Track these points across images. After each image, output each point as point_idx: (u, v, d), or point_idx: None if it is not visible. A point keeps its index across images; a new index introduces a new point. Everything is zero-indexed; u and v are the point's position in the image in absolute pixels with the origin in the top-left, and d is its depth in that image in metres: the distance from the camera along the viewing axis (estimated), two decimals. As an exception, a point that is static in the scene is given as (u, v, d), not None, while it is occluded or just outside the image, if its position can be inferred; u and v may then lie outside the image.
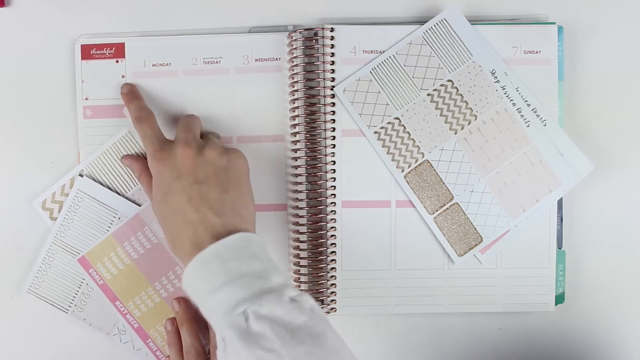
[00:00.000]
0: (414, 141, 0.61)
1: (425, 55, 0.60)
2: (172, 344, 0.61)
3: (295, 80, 0.60)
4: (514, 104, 0.60)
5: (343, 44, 0.60)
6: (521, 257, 0.61)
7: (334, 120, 0.61)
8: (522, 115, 0.60)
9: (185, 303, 0.61)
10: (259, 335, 0.43)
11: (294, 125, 0.60)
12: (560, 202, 0.61)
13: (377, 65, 0.60)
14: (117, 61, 0.61)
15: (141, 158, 0.59)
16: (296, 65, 0.60)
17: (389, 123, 0.61)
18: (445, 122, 0.61)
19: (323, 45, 0.60)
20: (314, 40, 0.60)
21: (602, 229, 0.63)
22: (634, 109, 0.62)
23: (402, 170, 0.61)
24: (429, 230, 0.61)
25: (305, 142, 0.60)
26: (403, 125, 0.61)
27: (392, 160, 0.61)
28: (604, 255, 0.63)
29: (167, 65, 0.61)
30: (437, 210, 0.61)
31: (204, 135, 0.57)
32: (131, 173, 0.61)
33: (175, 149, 0.52)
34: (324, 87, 0.60)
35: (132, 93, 0.58)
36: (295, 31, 0.60)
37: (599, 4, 0.61)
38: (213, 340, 0.59)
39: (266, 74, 0.61)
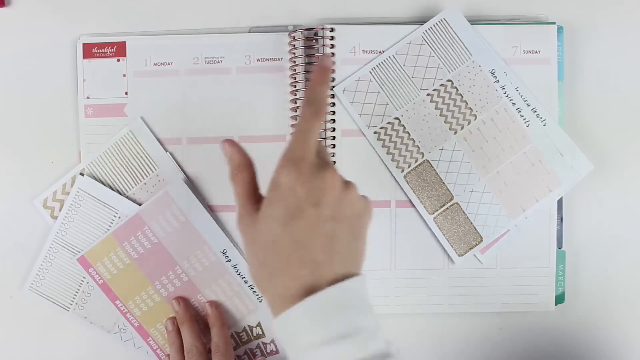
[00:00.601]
0: (414, 141, 0.61)
1: (424, 55, 0.60)
2: (172, 344, 0.61)
3: (296, 80, 0.60)
4: (513, 104, 0.60)
5: (343, 44, 0.60)
6: (521, 257, 0.61)
7: (334, 120, 0.61)
8: (521, 115, 0.60)
9: (185, 302, 0.61)
10: None
11: (295, 125, 0.60)
12: (560, 202, 0.61)
13: (377, 65, 0.60)
14: (118, 60, 0.61)
15: (242, 149, 0.47)
16: (297, 65, 0.60)
17: (388, 123, 0.61)
18: (445, 122, 0.61)
19: (323, 45, 0.60)
20: (314, 40, 0.60)
21: (602, 229, 0.62)
22: (633, 109, 0.62)
23: (402, 170, 0.61)
24: (429, 230, 0.61)
25: (306, 142, 0.60)
26: (403, 125, 0.61)
27: (392, 160, 0.61)
28: (604, 255, 0.62)
29: (169, 64, 0.61)
30: (437, 210, 0.61)
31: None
32: (133, 172, 0.61)
33: (324, 172, 0.42)
34: (324, 87, 0.60)
35: (328, 75, 0.45)
36: (295, 31, 0.60)
37: (599, 4, 0.61)
38: (214, 340, 0.60)
39: (267, 74, 0.61)
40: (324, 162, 0.43)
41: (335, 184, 0.42)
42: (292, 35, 0.60)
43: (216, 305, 0.62)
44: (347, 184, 0.44)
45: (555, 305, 0.62)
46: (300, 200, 0.41)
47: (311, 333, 0.40)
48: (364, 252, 0.45)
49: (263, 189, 0.45)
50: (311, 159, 0.42)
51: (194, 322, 0.61)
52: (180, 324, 0.61)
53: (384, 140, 0.61)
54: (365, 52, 0.61)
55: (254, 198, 0.45)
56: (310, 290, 0.40)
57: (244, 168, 0.46)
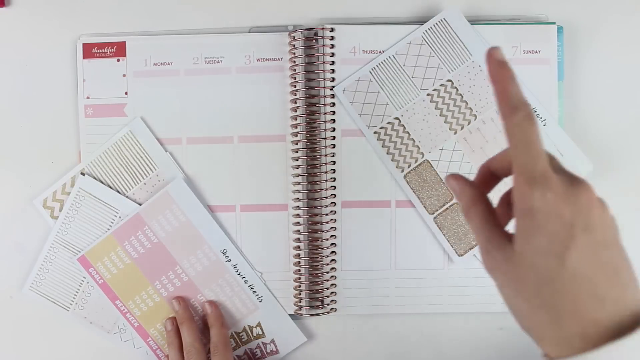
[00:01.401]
0: (414, 141, 0.61)
1: (424, 55, 0.60)
2: (171, 344, 0.61)
3: (295, 80, 0.60)
4: (513, 104, 0.60)
5: (343, 44, 0.60)
6: (521, 257, 0.61)
7: (334, 121, 0.61)
8: (521, 115, 0.60)
9: (185, 302, 0.61)
10: None
11: (295, 125, 0.60)
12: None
13: (377, 66, 0.60)
14: (118, 60, 0.61)
15: (471, 182, 0.40)
16: (297, 65, 0.60)
17: (388, 123, 0.61)
18: (445, 122, 0.61)
19: (323, 45, 0.60)
20: (314, 40, 0.60)
21: (602, 229, 0.62)
22: (633, 109, 0.62)
23: (402, 170, 0.61)
24: (429, 230, 0.61)
25: (306, 142, 0.60)
26: (403, 125, 0.61)
27: (392, 160, 0.61)
28: (604, 255, 0.62)
29: (169, 64, 0.61)
30: (437, 210, 0.61)
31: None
32: (133, 172, 0.61)
33: (579, 188, 0.35)
34: (324, 87, 0.60)
35: (509, 68, 0.35)
36: (295, 31, 0.60)
37: (599, 4, 0.61)
38: (213, 340, 0.60)
39: (267, 74, 0.61)
40: (568, 175, 0.36)
41: (594, 200, 0.35)
42: (292, 35, 0.60)
43: (215, 305, 0.62)
44: (601, 200, 0.37)
45: (555, 305, 0.62)
46: (567, 227, 0.34)
47: None
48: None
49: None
50: (552, 173, 0.35)
51: (194, 322, 0.61)
52: (179, 324, 0.61)
53: (384, 140, 0.61)
54: (365, 52, 0.61)
55: (498, 230, 0.37)
56: (614, 334, 0.34)
57: (478, 200, 0.39)
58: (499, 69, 0.35)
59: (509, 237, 0.37)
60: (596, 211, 0.35)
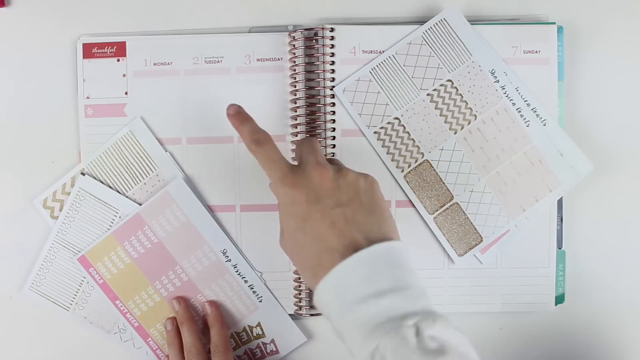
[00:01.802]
0: (414, 141, 0.61)
1: (424, 55, 0.60)
2: (171, 344, 0.61)
3: (295, 80, 0.60)
4: (513, 104, 0.60)
5: (343, 44, 0.60)
6: (521, 257, 0.61)
7: (334, 121, 0.61)
8: (521, 115, 0.60)
9: (185, 302, 0.61)
10: (435, 351, 0.39)
11: (295, 125, 0.60)
12: (560, 202, 0.61)
13: (377, 66, 0.60)
14: (118, 60, 0.61)
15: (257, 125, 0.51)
16: (297, 65, 0.60)
17: (388, 123, 0.61)
18: (445, 122, 0.61)
19: (323, 45, 0.60)
20: (314, 40, 0.60)
21: (602, 229, 0.62)
22: (633, 109, 0.62)
23: (402, 170, 0.61)
24: (429, 230, 0.61)
25: (306, 142, 0.60)
26: (403, 125, 0.61)
27: (392, 160, 0.61)
28: (604, 255, 0.62)
29: (168, 64, 0.61)
30: (437, 210, 0.61)
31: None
32: (133, 172, 0.61)
33: (309, 172, 0.47)
34: (324, 87, 0.60)
35: (242, 114, 0.50)
36: (295, 31, 0.60)
37: (599, 4, 0.61)
38: (213, 340, 0.60)
39: (267, 74, 0.61)
40: (305, 163, 0.48)
41: (325, 175, 0.46)
42: (292, 35, 0.60)
43: (215, 305, 0.62)
44: (339, 171, 0.48)
45: (555, 305, 0.62)
46: (302, 204, 0.46)
47: (360, 287, 0.42)
48: (389, 219, 0.48)
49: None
50: (288, 170, 0.47)
51: (194, 322, 0.61)
52: (180, 324, 0.61)
53: (384, 140, 0.61)
54: (365, 52, 0.61)
55: (287, 161, 0.49)
56: (354, 251, 0.43)
57: (267, 134, 0.50)
58: (235, 118, 0.50)
59: None
60: (326, 183, 0.46)
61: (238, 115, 0.50)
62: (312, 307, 0.61)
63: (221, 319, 0.61)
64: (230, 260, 0.61)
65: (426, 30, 0.60)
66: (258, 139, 0.49)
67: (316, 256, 0.45)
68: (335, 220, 0.45)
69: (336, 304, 0.43)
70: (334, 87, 0.61)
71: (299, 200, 0.46)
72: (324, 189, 0.46)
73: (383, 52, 0.60)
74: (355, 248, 0.43)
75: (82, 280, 0.62)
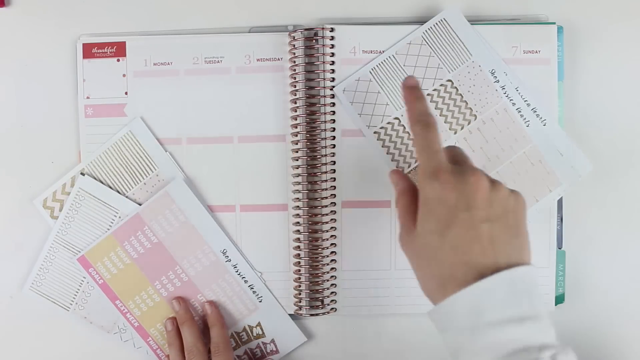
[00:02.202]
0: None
1: (424, 55, 0.60)
2: (172, 344, 0.61)
3: (295, 80, 0.60)
4: (513, 104, 0.60)
5: (343, 44, 0.60)
6: (521, 257, 0.61)
7: (334, 121, 0.61)
8: (521, 115, 0.60)
9: (185, 303, 0.61)
10: None
11: (295, 125, 0.60)
12: (560, 202, 0.61)
13: (377, 66, 0.60)
14: (118, 60, 0.61)
15: (406, 176, 0.49)
16: (297, 65, 0.60)
17: (388, 123, 0.61)
18: (445, 122, 0.61)
19: (323, 45, 0.60)
20: (314, 40, 0.60)
21: (602, 229, 0.62)
22: (633, 109, 0.62)
23: (402, 170, 0.61)
24: (429, 230, 0.61)
25: (305, 142, 0.60)
26: (403, 125, 0.61)
27: (392, 160, 0.61)
28: (604, 255, 0.62)
29: (168, 64, 0.61)
30: (437, 210, 0.61)
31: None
32: (133, 172, 0.61)
33: (466, 176, 0.43)
34: (324, 87, 0.60)
35: (417, 90, 0.47)
36: (295, 31, 0.60)
37: (599, 4, 0.61)
38: (214, 340, 0.60)
39: (267, 74, 0.61)
40: (464, 167, 0.45)
41: (482, 184, 0.43)
42: (292, 35, 0.60)
43: (215, 305, 0.62)
44: (494, 183, 0.44)
45: (555, 305, 0.62)
46: (451, 208, 0.43)
47: (499, 309, 0.40)
48: (527, 245, 0.46)
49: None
50: (447, 167, 0.44)
51: (195, 323, 0.61)
52: (180, 324, 0.61)
53: (384, 140, 0.61)
54: (365, 52, 0.61)
55: (411, 218, 0.45)
56: (493, 272, 0.41)
57: (406, 192, 0.47)
58: (409, 92, 0.46)
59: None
60: (480, 194, 0.43)
61: (413, 90, 0.47)
62: (312, 307, 0.61)
63: (221, 319, 0.61)
64: (230, 260, 0.61)
65: (426, 30, 0.60)
66: (427, 122, 0.45)
67: (449, 266, 0.43)
68: (481, 235, 0.42)
69: (467, 322, 0.41)
70: (334, 87, 0.61)
71: (448, 202, 0.43)
72: (477, 199, 0.43)
73: (383, 52, 0.60)
74: (496, 269, 0.41)
75: (82, 280, 0.62)
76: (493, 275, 0.41)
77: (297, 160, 0.61)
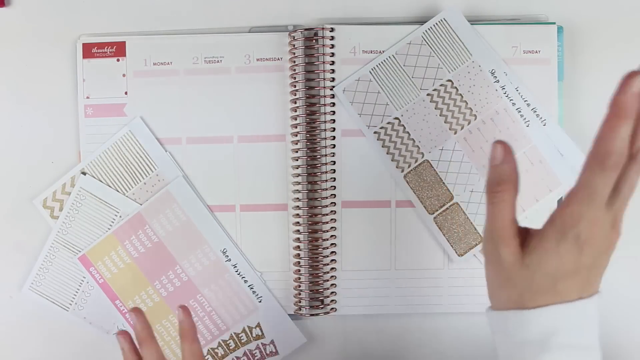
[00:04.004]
0: (414, 141, 0.61)
1: (424, 55, 0.60)
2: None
3: (295, 80, 0.60)
4: (513, 104, 0.60)
5: (343, 44, 0.60)
6: (521, 257, 0.61)
7: (333, 121, 0.61)
8: (521, 115, 0.60)
9: (144, 317, 0.52)
10: None
11: (295, 125, 0.60)
12: (560, 202, 0.61)
13: (377, 66, 0.60)
14: (118, 60, 0.61)
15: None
16: (297, 65, 0.60)
17: (388, 123, 0.61)
18: (445, 122, 0.61)
19: (323, 45, 0.60)
20: (314, 40, 0.60)
21: (602, 229, 0.62)
22: (634, 109, 0.62)
23: (402, 170, 0.61)
24: (429, 230, 0.61)
25: (306, 142, 0.60)
26: (403, 125, 0.61)
27: (392, 160, 0.61)
28: (604, 255, 0.62)
29: (168, 64, 0.61)
30: (437, 210, 0.61)
31: None
32: (133, 172, 0.61)
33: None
34: (324, 87, 0.60)
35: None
36: (295, 31, 0.60)
37: (599, 4, 0.61)
38: (185, 357, 0.51)
39: (267, 74, 0.61)
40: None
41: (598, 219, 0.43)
42: (292, 35, 0.60)
43: (189, 313, 0.52)
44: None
45: (556, 305, 0.62)
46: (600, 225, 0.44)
47: (573, 333, 0.42)
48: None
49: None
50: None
51: (155, 342, 0.51)
52: (139, 343, 0.51)
53: (384, 140, 0.61)
54: (365, 52, 0.61)
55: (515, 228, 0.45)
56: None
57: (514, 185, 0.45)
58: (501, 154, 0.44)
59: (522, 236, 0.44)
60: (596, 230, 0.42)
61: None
62: (312, 307, 0.61)
63: (194, 332, 0.51)
64: (230, 260, 0.61)
65: (426, 30, 0.60)
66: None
67: (559, 279, 0.43)
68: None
69: (539, 337, 0.42)
70: (334, 87, 0.61)
71: (598, 220, 0.44)
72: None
73: (383, 52, 0.60)
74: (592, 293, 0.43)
75: (82, 280, 0.62)
76: (587, 299, 0.42)
77: (297, 160, 0.61)
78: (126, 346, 0.51)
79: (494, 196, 0.44)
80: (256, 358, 0.63)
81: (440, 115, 0.61)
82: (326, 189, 0.61)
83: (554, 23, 0.61)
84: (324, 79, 0.60)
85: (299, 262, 0.61)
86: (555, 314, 0.42)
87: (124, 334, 0.52)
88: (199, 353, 0.51)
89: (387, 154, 0.61)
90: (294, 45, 0.60)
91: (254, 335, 0.63)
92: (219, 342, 0.62)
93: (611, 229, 0.44)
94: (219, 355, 0.63)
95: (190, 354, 0.51)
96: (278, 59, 0.61)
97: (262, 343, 0.63)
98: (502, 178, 0.44)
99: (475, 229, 0.61)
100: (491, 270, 0.45)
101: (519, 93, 0.60)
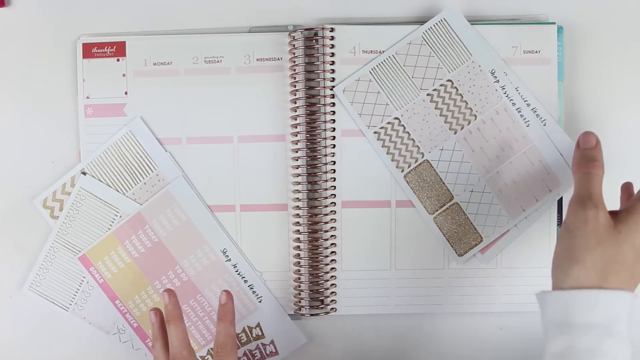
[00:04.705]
0: (414, 141, 0.61)
1: (424, 55, 0.60)
2: (157, 338, 0.55)
3: (295, 80, 0.60)
4: (513, 104, 0.60)
5: (343, 44, 0.60)
6: (521, 257, 0.61)
7: (334, 121, 0.61)
8: (521, 115, 0.60)
9: (175, 298, 0.55)
10: None
11: (295, 125, 0.60)
12: (560, 202, 0.61)
13: (377, 65, 0.60)
14: (118, 60, 0.61)
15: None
16: (296, 65, 0.60)
17: (388, 123, 0.61)
18: (445, 122, 0.61)
19: (323, 45, 0.60)
20: (314, 40, 0.60)
21: (602, 229, 0.62)
22: (633, 109, 0.62)
23: (402, 170, 0.61)
24: (429, 230, 0.61)
25: (305, 142, 0.60)
26: (403, 125, 0.61)
27: (392, 160, 0.61)
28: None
29: (168, 64, 0.61)
30: (437, 210, 0.61)
31: None
32: (133, 172, 0.61)
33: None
34: (324, 87, 0.60)
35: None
36: (295, 31, 0.60)
37: (599, 4, 0.61)
38: (220, 338, 0.54)
39: (267, 74, 0.61)
40: None
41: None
42: (292, 35, 0.60)
43: (231, 297, 0.56)
44: None
45: (556, 305, 0.62)
46: None
47: (627, 320, 0.45)
48: None
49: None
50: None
51: (182, 322, 0.54)
52: (166, 321, 0.54)
53: (384, 140, 0.61)
54: (365, 52, 0.61)
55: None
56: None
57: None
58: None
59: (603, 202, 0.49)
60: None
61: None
62: (312, 307, 0.61)
63: (233, 315, 0.55)
64: (230, 260, 0.61)
65: (426, 30, 0.60)
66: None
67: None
68: None
69: (604, 320, 0.45)
70: (334, 87, 0.61)
71: None
72: None
73: (383, 52, 0.60)
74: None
75: (82, 281, 0.62)
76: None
77: (297, 160, 0.61)
78: (156, 321, 0.55)
79: (592, 167, 0.50)
80: (256, 358, 0.63)
81: (440, 115, 0.61)
82: (326, 189, 0.61)
83: (554, 23, 0.60)
84: (324, 79, 0.60)
85: (299, 262, 0.61)
86: (626, 300, 0.45)
87: (156, 310, 0.56)
88: (234, 337, 0.55)
89: (387, 154, 0.61)
90: (294, 45, 0.60)
91: (254, 335, 0.63)
92: (219, 342, 0.62)
93: None
94: (219, 355, 0.63)
95: (226, 337, 0.54)
96: (278, 59, 0.61)
97: (262, 343, 0.63)
98: (596, 157, 0.51)
99: (475, 229, 0.61)
100: (579, 236, 0.47)
101: (519, 93, 0.60)
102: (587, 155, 0.51)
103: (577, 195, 0.49)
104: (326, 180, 0.61)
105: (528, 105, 0.60)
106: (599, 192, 0.49)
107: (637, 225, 0.47)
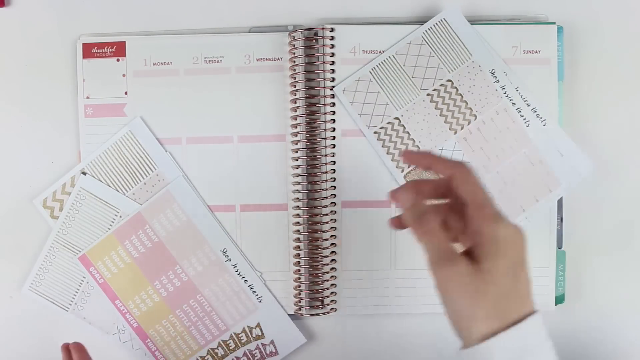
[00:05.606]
0: (414, 141, 0.61)
1: (424, 55, 0.60)
2: None
3: (295, 80, 0.60)
4: (513, 104, 0.60)
5: (343, 44, 0.61)
6: (521, 257, 0.61)
7: (334, 121, 0.61)
8: (521, 115, 0.60)
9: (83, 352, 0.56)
10: None
11: (295, 125, 0.60)
12: (560, 202, 0.61)
13: (377, 65, 0.60)
14: (118, 60, 0.61)
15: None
16: (296, 65, 0.60)
17: (388, 123, 0.61)
18: (445, 122, 0.61)
19: (323, 45, 0.60)
20: (314, 40, 0.60)
21: (602, 229, 0.62)
22: (633, 109, 0.62)
23: (402, 170, 0.61)
24: (429, 231, 0.61)
25: (306, 142, 0.60)
26: (403, 125, 0.61)
27: (392, 160, 0.61)
28: (604, 255, 0.62)
29: (168, 64, 0.61)
30: (437, 210, 0.61)
31: None
32: (133, 172, 0.61)
33: (517, 227, 0.45)
34: (324, 87, 0.60)
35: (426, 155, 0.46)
36: (295, 31, 0.60)
37: (599, 4, 0.61)
38: None
39: (267, 74, 0.61)
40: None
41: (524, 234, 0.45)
42: (292, 35, 0.60)
43: (82, 348, 0.56)
44: None
45: (555, 305, 0.62)
46: (521, 252, 0.44)
47: (544, 348, 0.43)
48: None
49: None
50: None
51: None
52: None
53: (384, 140, 0.61)
54: (365, 52, 0.61)
55: (446, 244, 0.44)
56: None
57: (439, 210, 0.46)
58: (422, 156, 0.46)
59: (457, 253, 0.43)
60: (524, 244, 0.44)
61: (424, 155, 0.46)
62: (312, 307, 0.61)
63: None
64: (230, 260, 0.61)
65: (426, 30, 0.60)
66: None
67: (514, 306, 0.44)
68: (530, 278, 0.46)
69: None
70: (334, 87, 0.61)
71: (518, 244, 0.44)
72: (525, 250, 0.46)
73: (383, 52, 0.60)
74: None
75: (82, 281, 0.62)
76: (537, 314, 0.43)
77: (297, 160, 0.61)
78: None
79: (422, 231, 0.43)
80: (256, 358, 0.63)
81: (440, 115, 0.61)
82: (326, 189, 0.61)
83: (554, 23, 0.61)
84: (324, 79, 0.60)
85: (299, 262, 0.61)
86: (523, 331, 0.42)
87: (65, 348, 0.56)
88: None
89: (387, 154, 0.61)
90: (294, 45, 0.60)
91: (253, 335, 0.63)
92: (218, 342, 0.62)
93: None
94: (219, 355, 0.63)
95: None
96: (278, 59, 0.61)
97: (262, 343, 0.63)
98: (422, 211, 0.43)
99: (475, 229, 0.61)
100: (456, 295, 0.43)
101: (519, 93, 0.60)
102: (412, 216, 0.44)
103: (427, 261, 0.43)
104: (326, 180, 0.61)
105: (528, 105, 0.60)
106: (444, 246, 0.42)
107: (497, 254, 0.42)
